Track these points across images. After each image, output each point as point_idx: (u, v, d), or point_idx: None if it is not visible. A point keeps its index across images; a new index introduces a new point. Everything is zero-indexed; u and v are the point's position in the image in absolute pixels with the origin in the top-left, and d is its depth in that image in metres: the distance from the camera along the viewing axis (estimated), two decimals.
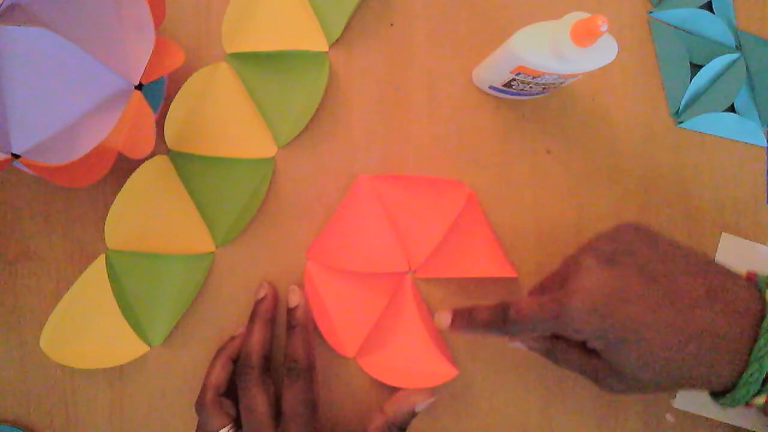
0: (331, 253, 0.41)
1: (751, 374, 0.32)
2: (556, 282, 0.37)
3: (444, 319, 0.39)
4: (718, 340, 0.32)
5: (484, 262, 0.41)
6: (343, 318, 0.41)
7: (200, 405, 0.37)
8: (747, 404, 0.33)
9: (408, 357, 0.40)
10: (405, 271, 0.41)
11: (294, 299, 0.39)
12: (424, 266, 0.41)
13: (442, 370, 0.40)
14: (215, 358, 0.39)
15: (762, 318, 0.32)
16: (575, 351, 0.36)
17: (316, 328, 0.41)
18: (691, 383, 0.33)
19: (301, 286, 0.41)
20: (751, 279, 0.34)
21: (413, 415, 0.38)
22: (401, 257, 0.41)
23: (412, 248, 0.41)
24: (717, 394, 0.34)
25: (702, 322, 0.32)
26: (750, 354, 0.32)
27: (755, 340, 0.32)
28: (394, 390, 0.40)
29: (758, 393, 0.32)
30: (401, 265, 0.41)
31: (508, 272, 0.41)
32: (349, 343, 0.41)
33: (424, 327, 0.40)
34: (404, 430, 0.38)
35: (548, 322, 0.34)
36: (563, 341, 0.37)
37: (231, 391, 0.39)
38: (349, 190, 0.42)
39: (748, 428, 0.42)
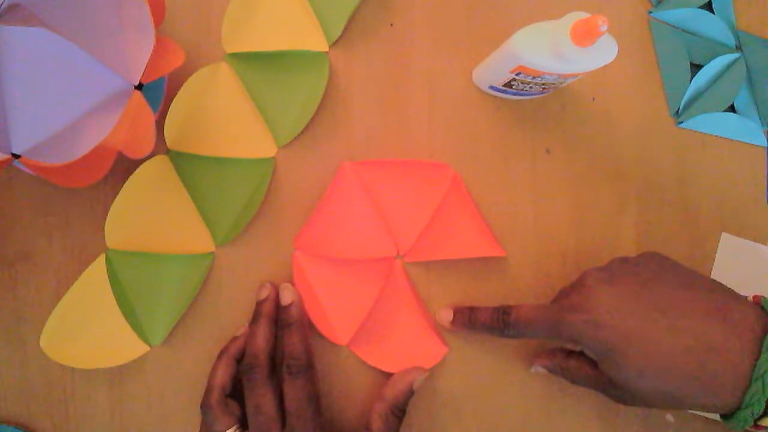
0: (319, 242, 0.41)
1: (754, 393, 0.31)
2: (565, 295, 0.37)
3: (445, 316, 0.40)
4: (716, 353, 0.32)
5: (472, 243, 0.41)
6: (334, 306, 0.41)
7: (206, 405, 0.37)
8: (757, 426, 0.33)
9: (404, 341, 0.41)
10: (393, 256, 0.41)
11: (287, 296, 0.39)
12: (413, 250, 0.41)
13: (436, 350, 0.41)
14: (219, 358, 0.39)
15: (765, 336, 0.32)
16: (587, 368, 0.36)
17: (308, 318, 0.41)
18: (693, 400, 0.33)
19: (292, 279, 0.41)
20: (757, 301, 0.34)
21: (412, 393, 0.39)
22: (389, 242, 0.41)
23: (399, 233, 0.41)
24: (726, 417, 0.34)
25: (698, 334, 0.32)
26: (753, 373, 0.31)
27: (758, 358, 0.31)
28: (388, 374, 0.40)
29: (766, 414, 0.32)
30: (389, 250, 0.41)
31: (496, 251, 0.41)
32: (341, 331, 0.41)
33: (419, 310, 0.41)
34: (404, 410, 0.38)
35: (546, 329, 0.35)
36: (575, 360, 0.37)
37: (234, 391, 0.39)
38: (333, 177, 0.42)
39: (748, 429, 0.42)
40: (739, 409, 0.32)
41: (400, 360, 0.40)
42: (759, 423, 0.32)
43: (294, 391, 0.36)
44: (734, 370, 0.32)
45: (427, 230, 0.41)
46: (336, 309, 0.41)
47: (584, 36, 0.32)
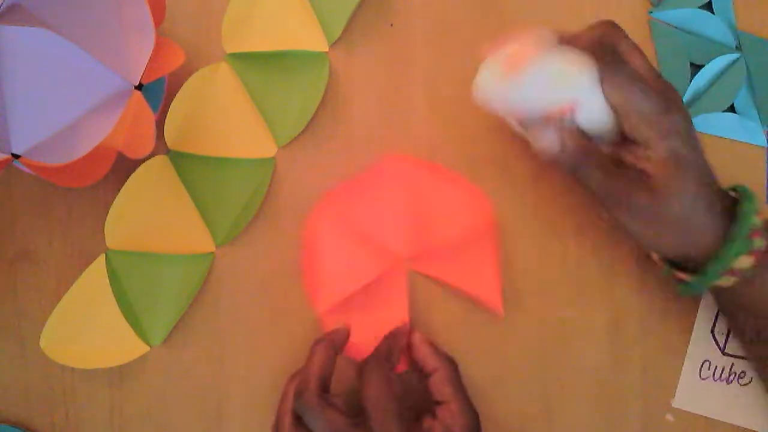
0: (345, 207, 0.41)
1: (740, 228, 0.34)
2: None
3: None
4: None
5: (479, 283, 0.41)
6: (330, 272, 0.40)
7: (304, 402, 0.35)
8: (732, 271, 0.34)
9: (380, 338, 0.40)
10: (403, 255, 0.41)
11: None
12: (422, 258, 0.41)
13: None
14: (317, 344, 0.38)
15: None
16: (603, 168, 0.36)
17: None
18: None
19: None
20: None
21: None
22: (404, 239, 0.41)
23: (416, 238, 0.41)
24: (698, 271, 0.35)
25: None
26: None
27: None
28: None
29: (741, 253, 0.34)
30: (401, 246, 0.41)
31: (495, 305, 0.41)
32: (324, 299, 0.40)
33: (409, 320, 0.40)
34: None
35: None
36: (595, 157, 0.36)
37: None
38: (377, 165, 0.42)
39: (749, 428, 0.42)
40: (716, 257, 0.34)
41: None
42: (734, 267, 0.34)
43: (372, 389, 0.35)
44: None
45: (443, 249, 0.41)
46: (329, 276, 0.40)
47: (513, 68, 0.33)
